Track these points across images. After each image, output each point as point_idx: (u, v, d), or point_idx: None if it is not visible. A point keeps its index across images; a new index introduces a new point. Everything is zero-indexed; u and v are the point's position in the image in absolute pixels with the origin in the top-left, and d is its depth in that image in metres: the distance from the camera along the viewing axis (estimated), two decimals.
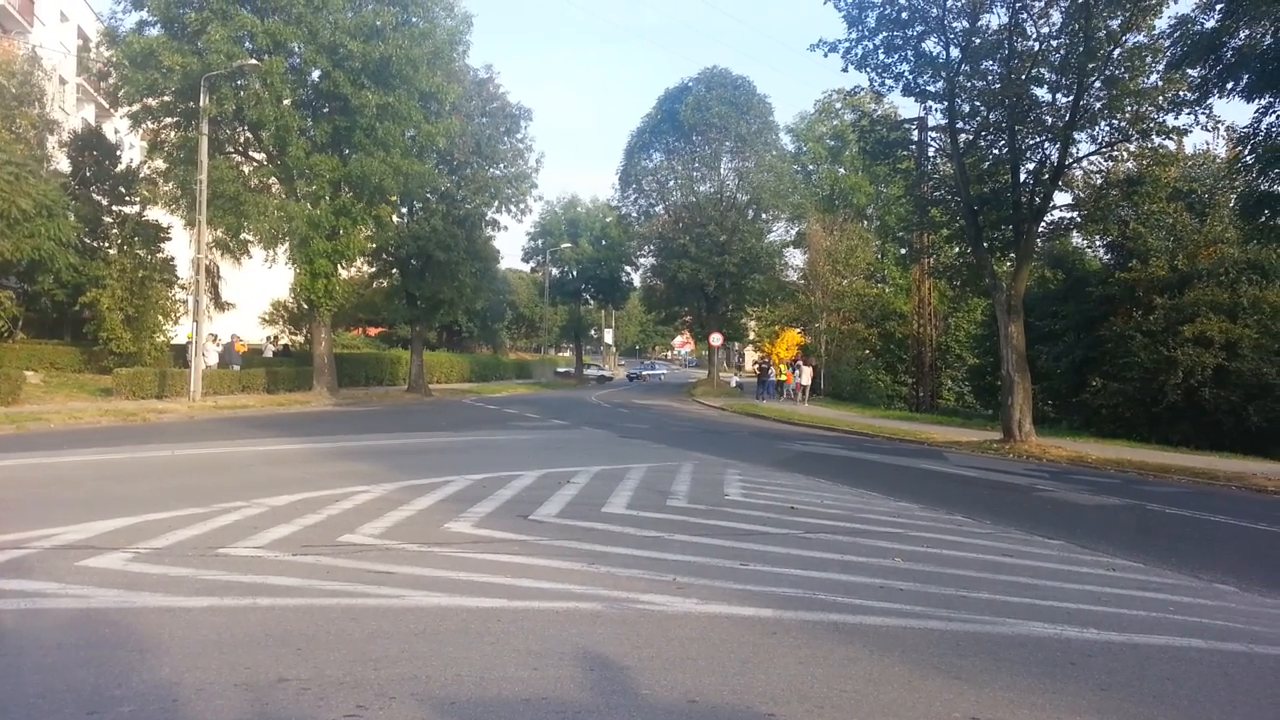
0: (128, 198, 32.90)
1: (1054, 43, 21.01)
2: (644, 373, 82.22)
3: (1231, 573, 8.21)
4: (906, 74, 22.62)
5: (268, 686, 4.35)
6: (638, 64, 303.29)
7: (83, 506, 9.04)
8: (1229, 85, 18.12)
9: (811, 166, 63.37)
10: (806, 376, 43.01)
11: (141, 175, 33.17)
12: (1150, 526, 11.37)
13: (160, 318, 31.97)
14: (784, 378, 46.08)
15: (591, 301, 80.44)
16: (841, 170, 60.84)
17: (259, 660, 4.72)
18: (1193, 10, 18.48)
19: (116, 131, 38.29)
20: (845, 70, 23.18)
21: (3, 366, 23.65)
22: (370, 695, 4.26)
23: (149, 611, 5.57)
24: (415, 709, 4.14)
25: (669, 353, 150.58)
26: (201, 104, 26.40)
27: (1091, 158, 22.46)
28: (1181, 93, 19.58)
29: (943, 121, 24.16)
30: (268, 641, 5.06)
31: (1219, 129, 20.65)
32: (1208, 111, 19.50)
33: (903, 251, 49.73)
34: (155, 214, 33.68)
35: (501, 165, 41.90)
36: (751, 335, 68.66)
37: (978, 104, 22.60)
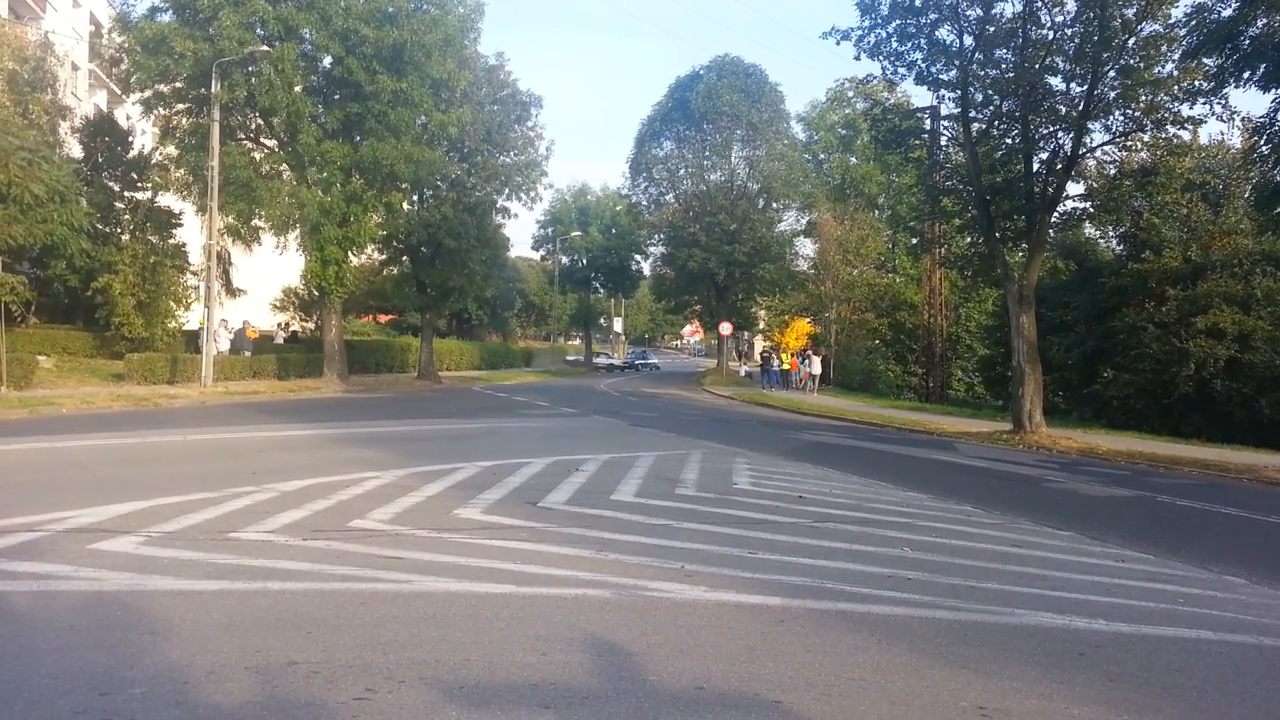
0: (140, 184, 32.97)
1: (1069, 31, 20.84)
2: (636, 362, 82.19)
3: (1242, 565, 8.18)
4: (919, 62, 22.47)
5: (278, 669, 4.38)
6: (648, 52, 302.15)
7: (95, 490, 9.10)
8: (1245, 75, 17.98)
9: (823, 155, 63.14)
10: (816, 366, 42.94)
11: (153, 161, 33.24)
12: (1160, 518, 11.33)
13: (172, 304, 32.09)
14: (787, 366, 46.15)
15: (601, 290, 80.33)
16: (853, 159, 60.60)
17: (269, 643, 4.75)
18: None
19: (128, 117, 38.40)
20: (858, 58, 23.08)
21: (15, 351, 23.78)
22: (379, 679, 4.29)
23: (160, 595, 5.61)
24: (424, 693, 4.16)
25: (678, 342, 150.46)
26: (213, 90, 26.45)
27: (1105, 148, 22.27)
28: (1197, 82, 19.40)
29: (955, 110, 24.02)
30: (278, 625, 5.09)
31: (1234, 119, 20.46)
32: (1223, 101, 19.35)
33: (914, 241, 49.66)
34: (167, 200, 33.77)
35: (512, 153, 41.84)
36: (761, 324, 68.56)
37: (991, 93, 22.44)
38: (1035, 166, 22.47)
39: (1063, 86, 21.58)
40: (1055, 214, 23.12)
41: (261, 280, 43.29)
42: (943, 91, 23.84)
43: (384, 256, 43.84)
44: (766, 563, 7.05)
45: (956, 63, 22.08)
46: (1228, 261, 27.61)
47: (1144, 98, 20.25)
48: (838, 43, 22.85)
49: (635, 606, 5.76)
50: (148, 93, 28.54)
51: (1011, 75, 21.47)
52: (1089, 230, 32.46)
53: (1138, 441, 21.61)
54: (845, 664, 4.83)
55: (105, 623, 5.07)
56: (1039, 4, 20.86)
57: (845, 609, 5.89)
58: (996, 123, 22.97)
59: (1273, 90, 17.84)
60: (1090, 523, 10.13)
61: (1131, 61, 20.01)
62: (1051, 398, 28.08)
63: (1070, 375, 31.49)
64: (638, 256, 72.31)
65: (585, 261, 73.07)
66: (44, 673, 4.28)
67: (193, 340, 30.78)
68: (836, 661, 4.86)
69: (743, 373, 61.95)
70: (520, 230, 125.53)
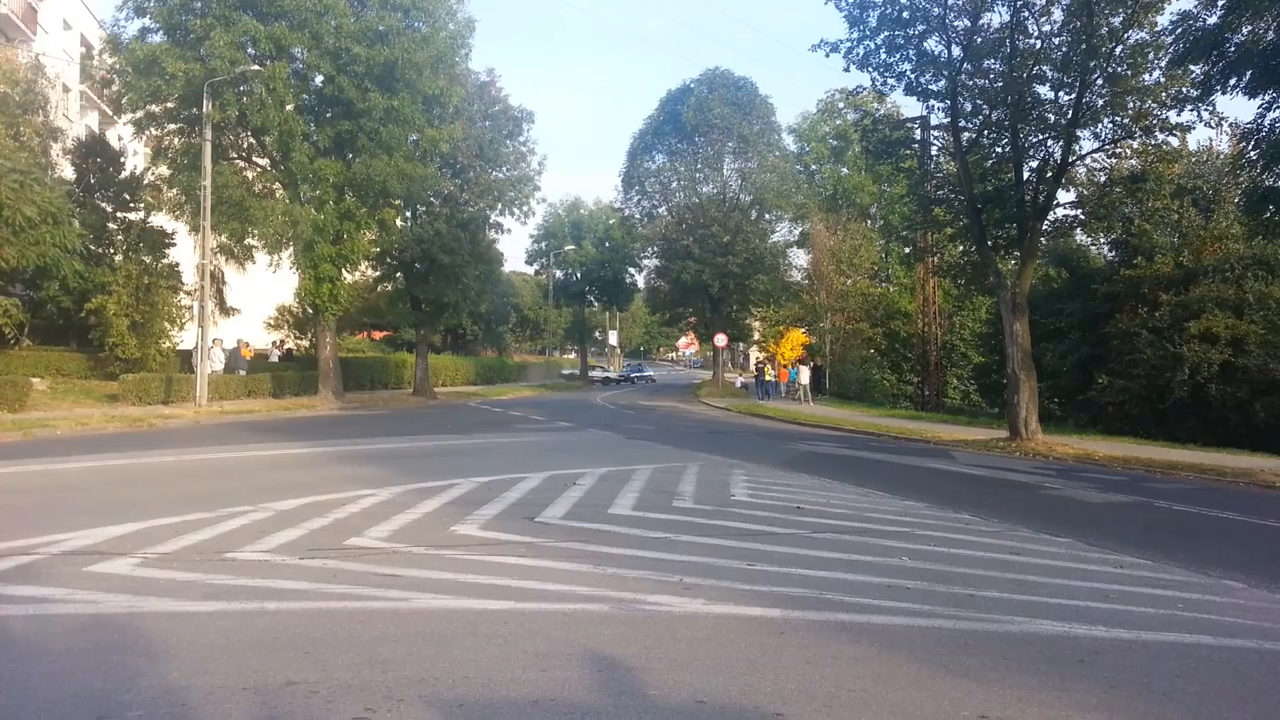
0: (132, 204, 32.94)
1: (1056, 40, 20.99)
2: (632, 375, 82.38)
3: (1240, 569, 8.19)
4: (908, 73, 22.59)
5: (276, 690, 4.36)
6: (639, 66, 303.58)
7: (90, 512, 9.06)
8: (1232, 81, 18.10)
9: (814, 166, 63.33)
10: (804, 376, 43.26)
11: (145, 182, 33.22)
12: (1158, 523, 11.35)
13: (166, 324, 32.01)
14: (772, 377, 47.27)
15: (596, 303, 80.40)
16: (844, 170, 60.80)
17: (267, 664, 4.73)
18: (1194, 6, 18.46)
19: (120, 138, 38.40)
20: (847, 70, 23.17)
21: (9, 373, 23.73)
22: (378, 698, 4.27)
23: (157, 616, 5.58)
24: (423, 711, 4.14)
25: (673, 354, 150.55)
26: (204, 110, 26.45)
27: (1095, 155, 22.44)
28: (1184, 89, 19.55)
29: (945, 120, 24.11)
30: (275, 645, 5.07)
31: (1222, 125, 20.62)
32: (1211, 108, 19.51)
33: (906, 250, 49.72)
34: (160, 220, 33.71)
35: (504, 168, 41.94)
36: (756, 336, 68.64)
37: (980, 102, 22.57)
38: (1025, 175, 22.58)
39: (1051, 95, 21.74)
40: (1046, 221, 23.24)
41: (255, 299, 43.22)
42: (932, 102, 23.97)
43: (378, 273, 43.83)
44: (765, 574, 7.04)
45: (945, 73, 22.20)
46: (1219, 266, 27.71)
47: (1132, 105, 20.39)
48: (827, 55, 22.98)
49: (634, 620, 5.74)
50: (139, 113, 28.50)
51: (1000, 85, 21.60)
52: (1080, 237, 32.62)
53: (1134, 447, 21.65)
54: (846, 675, 4.82)
55: (102, 645, 5.04)
56: (1026, 14, 21.01)
57: (845, 620, 5.89)
58: (986, 132, 23.10)
59: (1259, 96, 17.96)
60: (1088, 529, 10.14)
61: (1119, 69, 20.14)
62: (1047, 404, 28.10)
63: (1065, 382, 31.54)
64: (632, 269, 72.40)
65: (579, 275, 73.12)
66: (41, 697, 4.26)
67: (187, 360, 30.69)
68: (837, 673, 4.85)
69: (739, 384, 62.03)
70: (514, 245, 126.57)
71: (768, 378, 48.22)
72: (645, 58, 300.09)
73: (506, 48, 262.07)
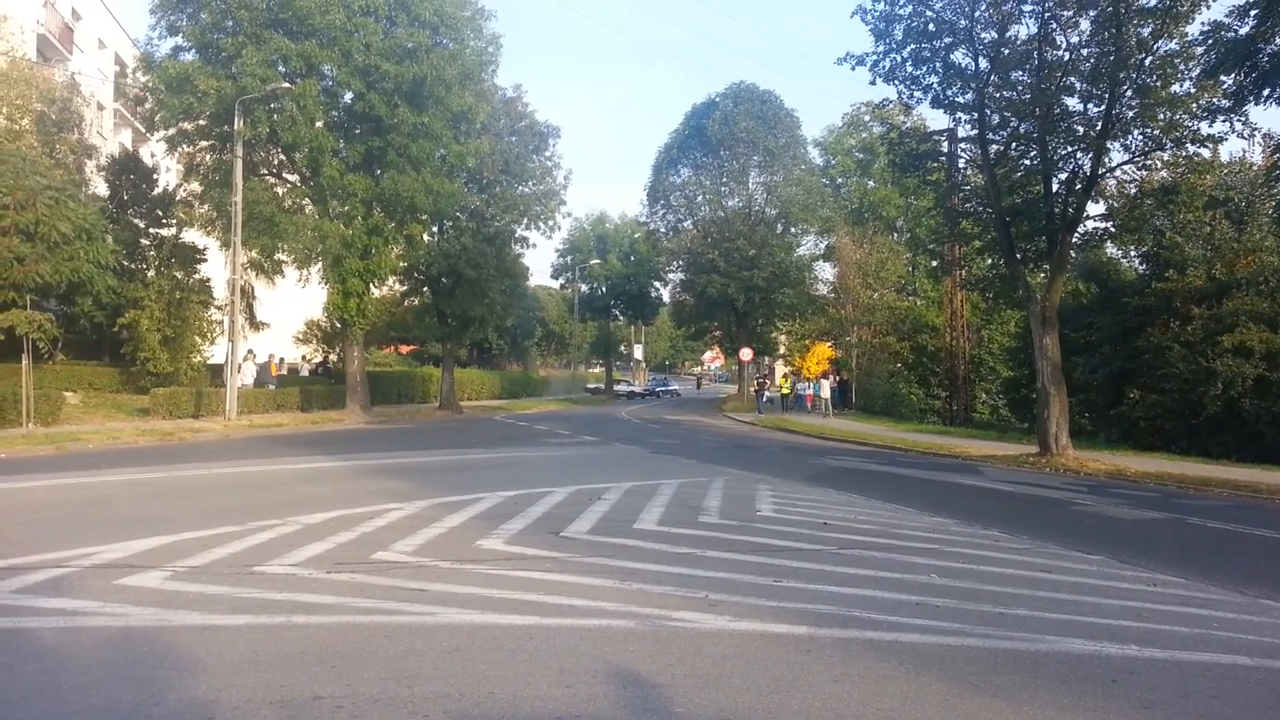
0: (164, 220, 33.41)
1: (1084, 52, 20.83)
2: (657, 389, 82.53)
3: (1278, 588, 8.02)
4: (935, 86, 22.48)
5: (303, 704, 4.37)
6: (664, 81, 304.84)
7: (120, 525, 9.16)
8: (1265, 92, 17.88)
9: (840, 179, 63.20)
10: (825, 390, 43.10)
11: (178, 198, 33.68)
12: (1191, 541, 11.16)
13: (197, 338, 32.39)
14: (784, 392, 49.31)
15: (621, 317, 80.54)
16: (871, 183, 60.63)
17: (294, 678, 4.75)
18: (1225, 16, 18.27)
19: (153, 155, 38.99)
20: (873, 83, 23.08)
21: (42, 387, 24.05)
22: (404, 713, 4.27)
23: (186, 629, 5.63)
24: None
25: (699, 368, 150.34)
26: (236, 127, 26.86)
27: (1125, 167, 22.16)
28: (1215, 100, 19.32)
29: (972, 133, 23.98)
30: (303, 659, 5.09)
31: (1255, 136, 20.34)
32: (1243, 119, 19.25)
33: (934, 264, 49.51)
34: (191, 236, 34.16)
35: (530, 183, 42.15)
36: (782, 349, 68.41)
37: (1008, 115, 22.41)
38: (1055, 187, 22.37)
39: (1080, 107, 21.55)
40: (1076, 234, 22.97)
41: (285, 313, 43.64)
42: (959, 114, 23.80)
43: (405, 288, 44.18)
44: (792, 591, 6.99)
45: (972, 85, 22.08)
46: (1253, 279, 27.26)
47: (1162, 116, 20.15)
48: (853, 68, 22.92)
49: (660, 637, 5.72)
50: (172, 130, 28.96)
51: (1028, 97, 21.44)
52: (1111, 250, 32.25)
53: (1166, 462, 21.32)
54: (874, 694, 4.76)
55: (131, 658, 5.08)
56: (1054, 26, 20.86)
57: (872, 637, 5.83)
58: (1014, 144, 22.92)
59: None
60: (1120, 546, 9.99)
61: (1149, 80, 19.93)
62: (1077, 419, 27.74)
63: (1096, 396, 31.14)
64: (657, 283, 72.46)
65: (605, 289, 73.27)
66: (71, 709, 4.30)
67: (218, 374, 31.03)
68: (865, 691, 4.79)
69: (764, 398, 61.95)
70: (539, 259, 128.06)
71: (784, 392, 48.96)
72: (668, 70, 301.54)
73: (529, 61, 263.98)
